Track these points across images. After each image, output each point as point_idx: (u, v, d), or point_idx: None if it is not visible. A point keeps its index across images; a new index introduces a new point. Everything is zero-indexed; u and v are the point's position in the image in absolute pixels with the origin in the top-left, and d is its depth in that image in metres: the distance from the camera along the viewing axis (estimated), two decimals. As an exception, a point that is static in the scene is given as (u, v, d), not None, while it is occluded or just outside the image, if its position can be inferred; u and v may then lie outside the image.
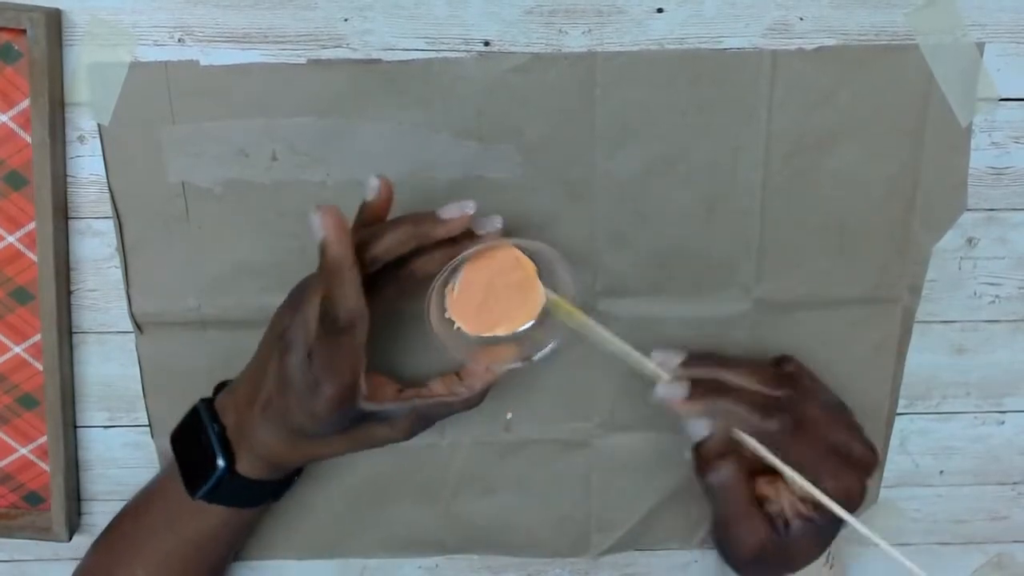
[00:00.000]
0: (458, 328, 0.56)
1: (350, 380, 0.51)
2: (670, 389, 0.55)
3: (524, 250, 0.55)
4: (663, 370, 0.56)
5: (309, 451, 0.57)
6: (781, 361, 0.60)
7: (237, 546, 0.65)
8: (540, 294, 0.56)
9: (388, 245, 0.52)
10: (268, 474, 0.58)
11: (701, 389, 0.55)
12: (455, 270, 0.54)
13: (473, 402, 0.56)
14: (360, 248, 0.51)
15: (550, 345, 0.57)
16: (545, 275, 0.56)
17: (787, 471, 0.54)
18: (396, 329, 0.61)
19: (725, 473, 0.54)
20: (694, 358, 0.56)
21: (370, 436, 0.56)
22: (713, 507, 0.56)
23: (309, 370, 0.51)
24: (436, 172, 0.58)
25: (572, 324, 0.56)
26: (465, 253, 0.53)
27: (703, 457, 0.55)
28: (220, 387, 0.60)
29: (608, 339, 0.56)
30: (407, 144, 0.57)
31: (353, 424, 0.54)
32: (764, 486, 0.56)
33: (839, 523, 0.54)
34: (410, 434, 0.56)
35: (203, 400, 0.59)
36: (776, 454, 0.54)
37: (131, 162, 0.58)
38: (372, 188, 0.53)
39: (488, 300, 0.55)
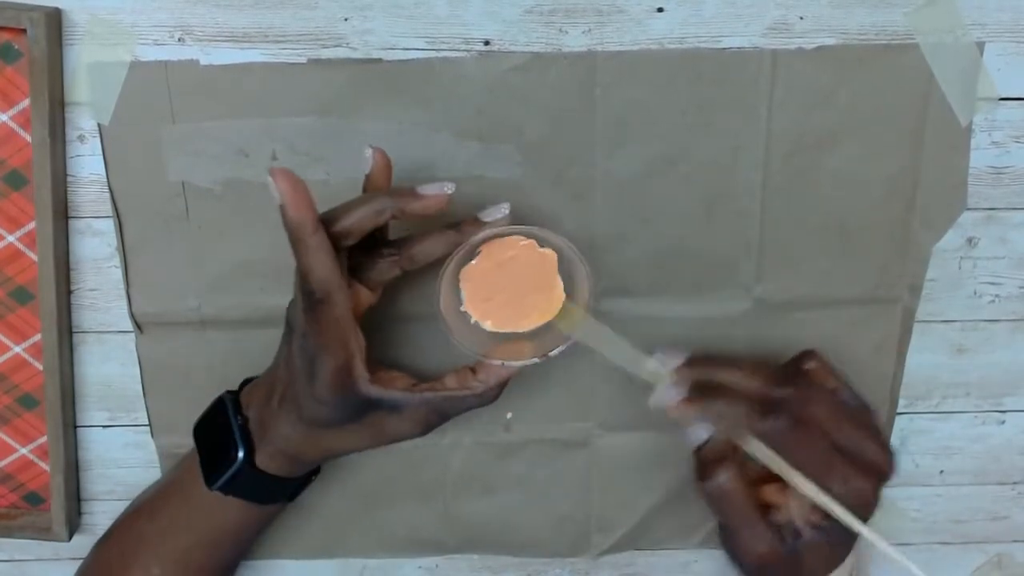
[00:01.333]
0: (473, 322, 0.54)
1: (343, 356, 0.51)
2: (665, 392, 0.53)
3: (541, 241, 0.54)
4: (662, 372, 0.54)
5: (325, 444, 0.56)
6: (802, 357, 0.56)
7: (248, 547, 0.65)
8: (560, 290, 0.54)
9: (362, 215, 0.50)
10: (286, 469, 0.58)
11: (698, 391, 0.53)
12: (468, 258, 0.53)
13: (488, 397, 0.55)
14: (335, 220, 0.50)
15: (568, 341, 0.54)
16: (561, 269, 0.55)
17: (790, 474, 0.52)
18: (408, 329, 0.61)
19: (723, 479, 0.52)
20: (695, 360, 0.54)
21: (383, 429, 0.54)
22: (715, 515, 0.54)
23: (304, 351, 0.51)
24: (436, 172, 0.58)
25: (581, 328, 0.54)
26: (474, 239, 0.52)
27: (701, 463, 0.53)
28: (247, 382, 0.60)
29: (616, 345, 0.54)
30: (407, 144, 0.57)
31: (362, 413, 0.53)
32: (772, 493, 0.54)
33: (855, 532, 0.52)
34: (425, 428, 0.55)
35: (229, 392, 0.59)
36: (780, 457, 0.52)
37: (131, 162, 0.58)
38: (367, 160, 0.52)
39: (506, 294, 0.54)
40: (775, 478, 0.53)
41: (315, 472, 0.63)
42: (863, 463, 0.52)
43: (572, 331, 0.54)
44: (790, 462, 0.52)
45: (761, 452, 0.52)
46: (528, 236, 0.54)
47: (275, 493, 0.60)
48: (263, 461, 0.56)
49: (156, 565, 0.59)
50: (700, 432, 0.53)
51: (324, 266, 0.49)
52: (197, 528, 0.59)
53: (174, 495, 0.61)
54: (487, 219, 0.53)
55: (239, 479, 0.56)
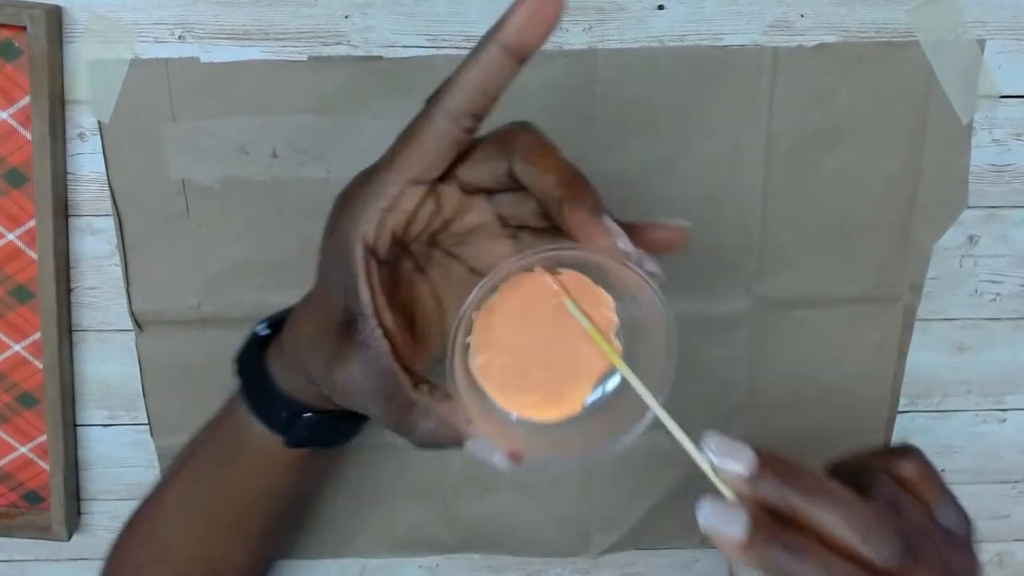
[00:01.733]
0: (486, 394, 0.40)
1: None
2: (723, 519, 0.38)
3: (601, 277, 0.40)
4: (719, 475, 0.39)
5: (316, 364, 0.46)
6: (898, 458, 0.43)
7: (301, 494, 0.59)
8: (608, 354, 0.40)
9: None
10: (304, 393, 0.50)
11: (769, 533, 0.37)
12: (489, 293, 0.40)
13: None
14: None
15: (628, 434, 0.40)
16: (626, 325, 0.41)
17: None
18: None
19: None
20: (768, 465, 0.38)
21: (350, 373, 0.42)
22: None
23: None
24: (437, 169, 0.58)
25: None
26: (502, 268, 0.38)
27: None
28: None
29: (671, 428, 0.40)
30: (408, 142, 0.57)
31: (341, 337, 0.43)
32: None
33: None
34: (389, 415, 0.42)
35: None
36: None
37: (131, 159, 0.58)
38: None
39: (529, 358, 0.40)
40: None
41: (346, 424, 0.53)
42: None
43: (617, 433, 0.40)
44: None
45: None
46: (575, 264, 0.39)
47: (296, 416, 0.51)
48: (285, 382, 0.50)
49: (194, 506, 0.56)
50: None
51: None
52: (239, 464, 0.54)
53: (222, 439, 0.56)
54: (604, 239, 0.38)
55: (262, 388, 0.51)
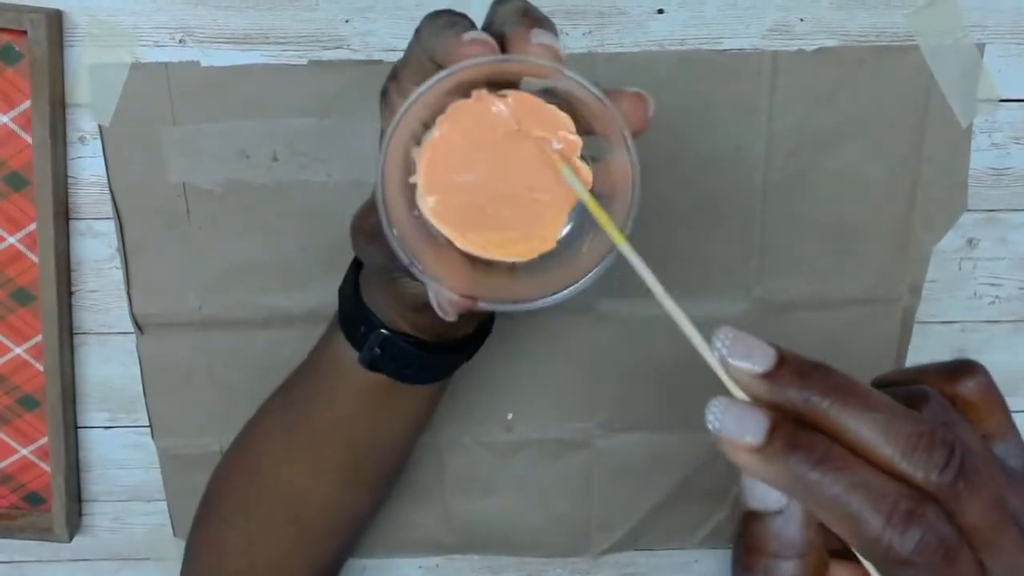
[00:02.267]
0: (428, 221, 0.36)
1: None
2: (735, 420, 0.31)
3: (559, 97, 0.35)
4: (731, 372, 0.33)
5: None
6: (958, 373, 0.34)
7: (385, 435, 0.55)
8: (574, 186, 0.35)
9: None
10: (383, 309, 0.48)
11: (791, 435, 0.30)
12: (429, 114, 0.35)
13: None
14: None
15: (580, 280, 0.36)
16: (590, 151, 0.36)
17: None
18: None
19: None
20: (791, 363, 0.32)
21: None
22: None
23: None
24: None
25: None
26: (443, 73, 0.33)
27: (752, 544, 0.32)
28: None
29: (658, 294, 0.36)
30: (408, 145, 0.57)
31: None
32: None
33: None
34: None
35: None
36: None
37: (132, 163, 0.58)
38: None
39: (487, 194, 0.35)
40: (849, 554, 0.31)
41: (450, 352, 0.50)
42: None
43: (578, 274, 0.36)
44: None
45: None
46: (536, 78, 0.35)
47: (371, 342, 0.49)
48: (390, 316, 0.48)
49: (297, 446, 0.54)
50: (771, 499, 0.31)
51: None
52: (333, 406, 0.53)
53: (312, 358, 0.55)
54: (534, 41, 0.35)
55: (355, 306, 0.49)
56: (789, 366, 0.32)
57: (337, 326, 0.51)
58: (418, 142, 0.35)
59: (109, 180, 0.58)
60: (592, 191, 0.35)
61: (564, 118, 0.35)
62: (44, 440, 0.63)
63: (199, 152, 0.57)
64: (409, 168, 0.35)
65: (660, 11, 0.56)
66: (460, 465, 0.66)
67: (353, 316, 0.49)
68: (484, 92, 0.35)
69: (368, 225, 0.44)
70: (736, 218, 0.60)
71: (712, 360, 0.33)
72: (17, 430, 0.64)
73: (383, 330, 0.48)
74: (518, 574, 0.71)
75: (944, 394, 0.33)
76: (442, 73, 0.33)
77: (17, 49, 0.55)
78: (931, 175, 0.59)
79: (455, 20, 0.36)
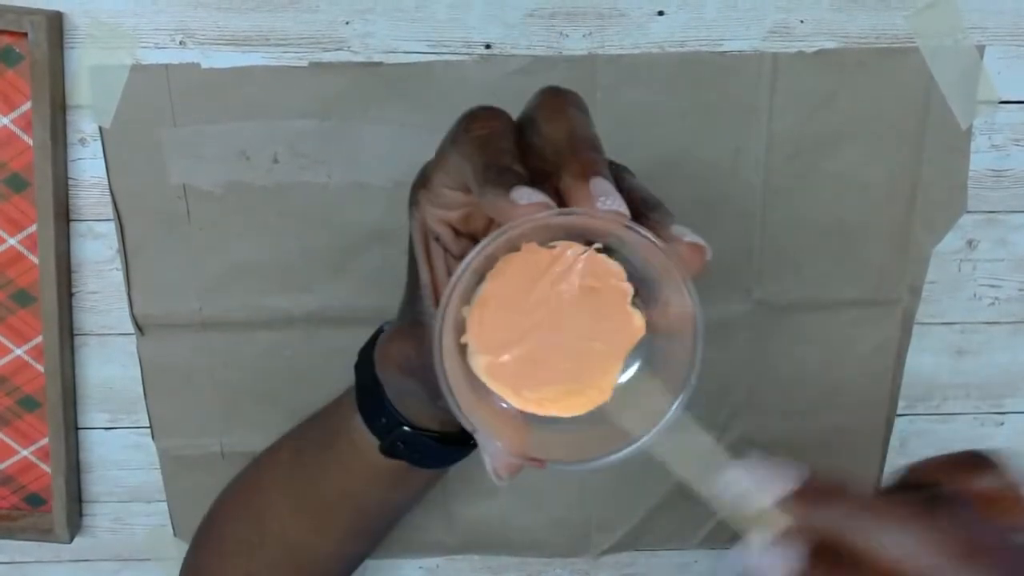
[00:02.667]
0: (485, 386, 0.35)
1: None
2: (761, 561, 0.32)
3: (621, 252, 0.35)
4: (757, 501, 0.33)
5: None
6: (967, 467, 0.34)
7: (396, 503, 0.57)
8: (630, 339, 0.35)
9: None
10: (405, 406, 0.48)
11: (827, 568, 0.31)
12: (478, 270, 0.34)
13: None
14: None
15: (634, 443, 0.35)
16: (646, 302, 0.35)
17: None
18: None
19: None
20: (815, 489, 0.33)
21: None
22: None
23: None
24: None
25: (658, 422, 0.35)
26: (494, 238, 0.33)
27: None
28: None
29: (695, 450, 0.36)
30: (408, 146, 0.57)
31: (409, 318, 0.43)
32: None
33: None
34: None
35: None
36: None
37: (132, 164, 0.58)
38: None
39: (539, 349, 0.34)
40: None
41: (452, 448, 0.50)
42: None
43: (643, 427, 0.35)
44: None
45: None
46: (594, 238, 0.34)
47: (393, 436, 0.49)
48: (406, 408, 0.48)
49: (288, 505, 0.55)
50: None
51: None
52: (337, 475, 0.53)
53: (325, 428, 0.54)
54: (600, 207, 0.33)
55: (371, 391, 0.49)
56: (813, 489, 0.32)
57: (354, 405, 0.50)
58: (467, 300, 0.34)
59: (109, 181, 0.58)
60: (647, 335, 0.35)
61: (615, 266, 0.34)
62: (45, 441, 0.64)
63: (199, 154, 0.57)
64: (459, 327, 0.34)
65: (660, 13, 0.56)
66: (460, 465, 0.66)
67: (373, 407, 0.49)
68: (534, 245, 0.34)
69: (400, 356, 0.44)
70: (736, 220, 0.60)
71: (733, 490, 0.33)
72: (18, 431, 0.64)
73: (406, 428, 0.48)
74: (518, 574, 0.71)
75: (962, 491, 0.33)
76: (494, 237, 0.32)
77: (17, 51, 0.55)
78: (931, 177, 0.59)
79: (503, 168, 0.35)
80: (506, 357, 0.34)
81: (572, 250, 0.34)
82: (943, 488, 0.33)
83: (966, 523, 0.32)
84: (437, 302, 0.38)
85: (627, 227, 0.32)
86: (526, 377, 0.34)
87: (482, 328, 0.34)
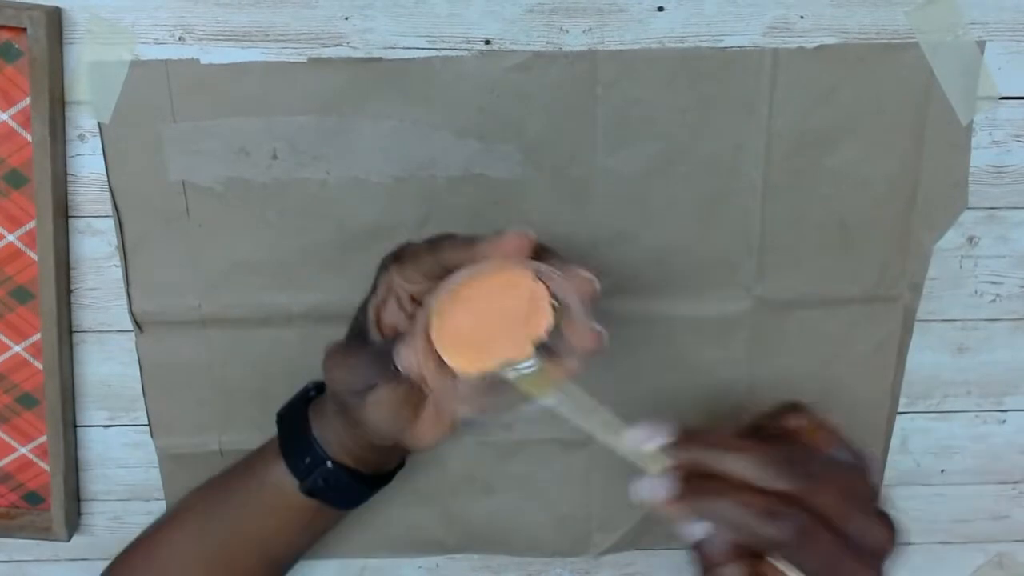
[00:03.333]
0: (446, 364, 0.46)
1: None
2: (650, 487, 0.45)
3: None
4: (644, 454, 0.46)
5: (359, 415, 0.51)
6: (786, 414, 0.51)
7: (299, 549, 0.61)
8: (537, 328, 0.46)
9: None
10: (332, 444, 0.54)
11: (692, 487, 0.45)
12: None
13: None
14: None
15: (524, 403, 0.48)
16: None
17: None
18: None
19: None
20: (686, 437, 0.46)
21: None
22: None
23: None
24: (437, 170, 0.58)
25: (547, 392, 0.47)
26: (465, 272, 0.45)
27: (704, 561, 0.46)
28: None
29: (591, 412, 0.48)
30: (408, 142, 0.57)
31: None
32: None
33: None
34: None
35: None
36: (789, 562, 0.45)
37: (131, 160, 0.58)
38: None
39: (478, 325, 0.46)
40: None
41: (381, 481, 0.59)
42: (871, 551, 0.46)
43: (537, 393, 0.47)
44: (799, 567, 0.45)
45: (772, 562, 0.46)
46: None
47: (315, 474, 0.55)
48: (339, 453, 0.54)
49: (202, 543, 0.58)
50: (697, 531, 0.46)
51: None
52: (254, 514, 0.57)
53: (243, 476, 0.59)
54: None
55: (301, 441, 0.55)
56: (683, 438, 0.46)
57: (276, 451, 0.56)
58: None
59: (108, 178, 0.58)
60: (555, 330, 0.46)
61: (548, 316, 0.46)
62: (43, 439, 0.63)
63: (199, 150, 0.57)
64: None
65: (660, 9, 0.56)
66: (460, 465, 0.66)
67: (298, 448, 0.55)
68: (531, 273, 0.46)
69: (345, 371, 0.52)
70: (736, 216, 0.60)
71: (628, 445, 0.46)
72: (16, 429, 0.63)
73: (329, 463, 0.54)
74: (518, 574, 0.71)
75: (786, 428, 0.50)
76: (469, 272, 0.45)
77: (16, 46, 0.55)
78: (931, 173, 0.59)
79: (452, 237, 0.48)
80: (454, 329, 0.45)
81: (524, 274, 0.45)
82: (771, 427, 0.51)
83: (786, 446, 0.48)
84: (382, 334, 0.49)
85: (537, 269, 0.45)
86: (467, 344, 0.45)
87: (443, 315, 0.45)
